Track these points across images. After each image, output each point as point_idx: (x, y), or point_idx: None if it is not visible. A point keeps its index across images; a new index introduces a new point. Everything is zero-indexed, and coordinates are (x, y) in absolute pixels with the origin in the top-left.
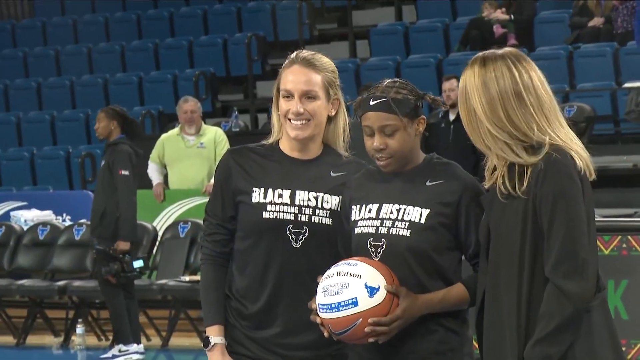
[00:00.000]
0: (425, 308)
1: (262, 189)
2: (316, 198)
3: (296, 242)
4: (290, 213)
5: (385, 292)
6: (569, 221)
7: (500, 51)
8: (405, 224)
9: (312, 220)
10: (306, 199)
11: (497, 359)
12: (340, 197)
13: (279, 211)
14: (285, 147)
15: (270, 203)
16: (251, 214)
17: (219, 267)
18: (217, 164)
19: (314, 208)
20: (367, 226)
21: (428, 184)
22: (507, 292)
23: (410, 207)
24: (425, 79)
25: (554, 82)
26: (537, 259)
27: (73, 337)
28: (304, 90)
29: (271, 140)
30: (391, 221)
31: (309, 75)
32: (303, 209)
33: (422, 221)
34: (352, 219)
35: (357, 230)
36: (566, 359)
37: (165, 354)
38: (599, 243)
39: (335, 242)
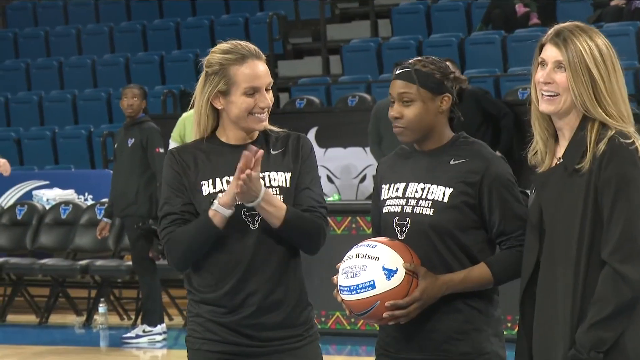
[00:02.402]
0: (446, 288)
1: (210, 180)
2: (262, 178)
3: (253, 224)
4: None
5: (404, 273)
6: (631, 207)
7: (583, 24)
8: (428, 203)
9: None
10: None
11: (548, 337)
12: (286, 172)
13: None
14: (229, 137)
15: (221, 191)
16: (205, 206)
17: None
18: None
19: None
20: (394, 205)
21: (452, 162)
22: (563, 271)
23: (434, 186)
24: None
25: None
26: (595, 240)
27: (95, 316)
28: (267, 82)
29: (204, 135)
30: (415, 200)
31: (264, 67)
32: None
33: (445, 200)
34: (382, 197)
35: (384, 210)
36: (617, 344)
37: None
38: None
39: None
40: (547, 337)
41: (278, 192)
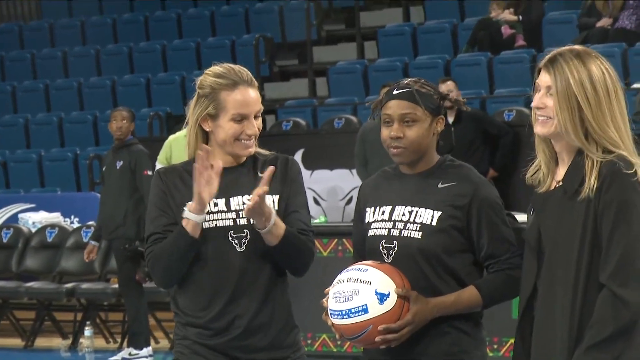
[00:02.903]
0: (437, 311)
1: None
2: (250, 201)
3: (240, 246)
4: (229, 219)
5: (396, 297)
6: (630, 232)
7: (579, 48)
8: (416, 226)
9: (251, 222)
10: (241, 202)
11: (546, 358)
12: (274, 195)
13: (218, 219)
14: (216, 159)
15: (208, 213)
16: None
17: None
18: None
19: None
20: (380, 228)
21: (440, 186)
22: (562, 293)
23: (422, 210)
24: (433, 80)
25: None
26: (594, 263)
27: (81, 340)
28: (256, 110)
29: (193, 156)
30: (403, 223)
31: (255, 94)
32: (240, 212)
33: (434, 223)
34: (366, 220)
35: (370, 232)
36: None
37: (173, 356)
38: None
39: None
40: (545, 358)
41: None
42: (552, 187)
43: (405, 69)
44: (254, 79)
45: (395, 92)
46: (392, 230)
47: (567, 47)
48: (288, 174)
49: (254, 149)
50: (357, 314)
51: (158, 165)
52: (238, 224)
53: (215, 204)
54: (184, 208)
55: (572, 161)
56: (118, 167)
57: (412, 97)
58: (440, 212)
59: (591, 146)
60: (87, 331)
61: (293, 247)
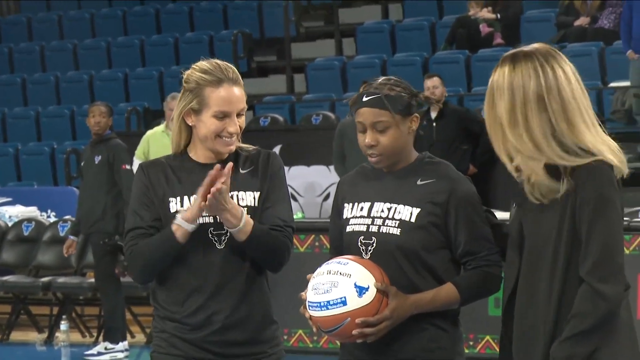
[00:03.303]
0: (415, 308)
1: (178, 198)
2: (231, 197)
3: (219, 244)
4: (209, 216)
5: (375, 292)
6: (609, 227)
7: (529, 49)
8: (395, 223)
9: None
10: None
11: (527, 350)
12: (255, 192)
13: None
14: (199, 156)
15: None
16: (170, 223)
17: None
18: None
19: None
20: (359, 224)
21: (419, 183)
22: (542, 286)
23: (401, 206)
24: (412, 77)
25: None
26: (573, 258)
27: (57, 334)
28: (239, 108)
29: (177, 150)
30: (382, 220)
31: (239, 92)
32: None
33: (413, 220)
34: (344, 216)
35: (348, 228)
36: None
37: (150, 350)
38: None
39: None
40: (526, 350)
41: (246, 212)
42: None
43: (384, 66)
44: (239, 77)
45: (364, 98)
46: (370, 226)
47: (515, 50)
48: (268, 169)
49: (234, 146)
50: (335, 306)
51: (135, 161)
52: (218, 221)
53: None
54: (177, 215)
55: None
56: (96, 162)
57: (381, 104)
58: (419, 209)
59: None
60: (63, 325)
61: (263, 245)
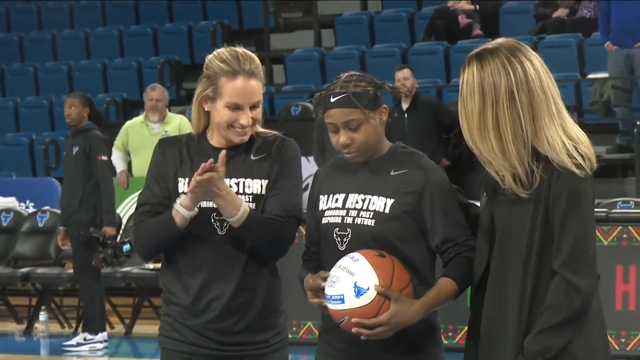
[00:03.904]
0: (423, 312)
1: (188, 179)
2: (237, 184)
3: (221, 230)
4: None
5: (374, 294)
6: (582, 220)
7: (493, 45)
8: (370, 214)
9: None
10: (228, 185)
11: (497, 342)
12: (263, 180)
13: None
14: (215, 140)
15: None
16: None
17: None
18: None
19: (236, 194)
20: (334, 216)
21: (392, 173)
22: (513, 278)
23: (375, 197)
24: (390, 68)
25: None
26: (545, 250)
27: (36, 324)
28: (252, 102)
29: (196, 131)
30: (356, 211)
31: (255, 85)
32: None
33: (387, 211)
34: (320, 208)
35: (324, 220)
36: (566, 351)
37: (129, 341)
38: None
39: None
40: (495, 342)
41: (251, 200)
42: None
43: (363, 57)
44: (258, 69)
45: (332, 99)
46: (345, 218)
47: (479, 49)
48: (280, 157)
49: (247, 137)
50: (335, 302)
51: (114, 152)
52: None
53: None
54: (178, 199)
55: None
56: (74, 153)
57: (350, 102)
58: (392, 200)
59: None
60: (42, 316)
61: (259, 234)
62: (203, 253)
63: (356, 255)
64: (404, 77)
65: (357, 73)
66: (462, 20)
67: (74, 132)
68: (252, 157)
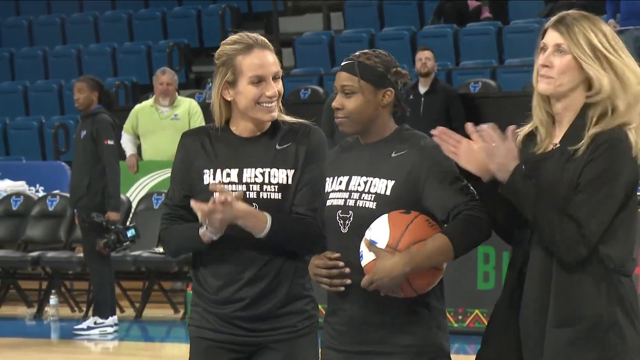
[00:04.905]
0: (403, 263)
1: (212, 170)
2: (262, 174)
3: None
4: (238, 191)
5: (380, 250)
6: (606, 194)
7: (585, 13)
8: (371, 197)
9: (261, 197)
10: (253, 175)
11: (536, 314)
12: (288, 170)
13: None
14: (240, 130)
15: (219, 183)
16: (204, 195)
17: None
18: None
19: (261, 184)
20: (337, 198)
21: (393, 155)
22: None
23: (376, 179)
24: (399, 51)
25: (528, 55)
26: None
27: (46, 308)
28: (275, 72)
29: (218, 123)
30: (358, 193)
31: (272, 56)
32: (251, 185)
33: (388, 193)
34: (325, 190)
35: (328, 202)
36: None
37: (139, 325)
38: None
39: (288, 214)
40: (535, 313)
41: (277, 190)
42: (549, 149)
43: (372, 40)
44: (269, 43)
45: (342, 63)
46: (348, 200)
47: (574, 11)
48: (306, 146)
49: (277, 113)
50: (361, 258)
51: (124, 135)
52: (248, 197)
53: (228, 174)
54: (205, 225)
55: (573, 123)
56: (82, 137)
57: (352, 69)
58: (393, 182)
59: (620, 97)
60: (52, 300)
61: (287, 237)
62: (229, 243)
63: (384, 215)
64: (425, 57)
65: (379, 51)
66: (471, 3)
67: (83, 116)
68: (277, 146)
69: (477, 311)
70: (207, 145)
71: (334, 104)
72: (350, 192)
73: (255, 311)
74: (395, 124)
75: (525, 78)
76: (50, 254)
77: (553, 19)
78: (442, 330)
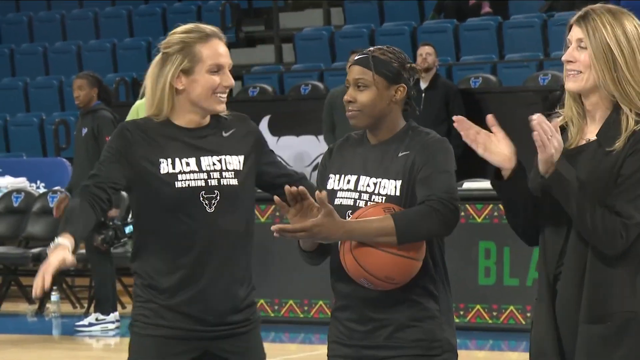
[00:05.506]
0: (345, 233)
1: (170, 159)
2: (220, 161)
3: (210, 207)
4: (201, 179)
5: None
6: None
7: (613, 6)
8: (382, 198)
9: (221, 183)
10: (211, 163)
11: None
12: (239, 156)
13: (190, 179)
14: (183, 121)
15: (180, 172)
16: (163, 185)
17: (89, 202)
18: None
19: (220, 171)
20: (346, 198)
21: (400, 154)
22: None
23: (385, 180)
24: (400, 46)
25: (528, 50)
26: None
27: (48, 305)
28: (229, 63)
29: (158, 115)
30: (368, 194)
31: (225, 48)
32: (211, 173)
33: (397, 193)
34: (330, 187)
35: (336, 201)
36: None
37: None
38: None
39: (243, 201)
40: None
41: (234, 176)
42: (581, 144)
43: (372, 35)
44: (223, 35)
45: (356, 57)
46: (358, 201)
47: (600, 5)
48: (247, 130)
49: (225, 105)
50: None
51: None
52: (209, 184)
53: (187, 164)
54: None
55: (607, 118)
56: (83, 134)
57: (366, 63)
58: (400, 181)
59: (626, 102)
60: (54, 296)
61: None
62: (194, 233)
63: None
64: (426, 52)
65: (393, 48)
66: None
67: (83, 112)
68: (223, 134)
69: (478, 306)
70: (154, 135)
71: (346, 97)
72: (360, 192)
73: (214, 305)
74: (404, 120)
75: (526, 73)
76: None
77: (577, 14)
78: (450, 326)
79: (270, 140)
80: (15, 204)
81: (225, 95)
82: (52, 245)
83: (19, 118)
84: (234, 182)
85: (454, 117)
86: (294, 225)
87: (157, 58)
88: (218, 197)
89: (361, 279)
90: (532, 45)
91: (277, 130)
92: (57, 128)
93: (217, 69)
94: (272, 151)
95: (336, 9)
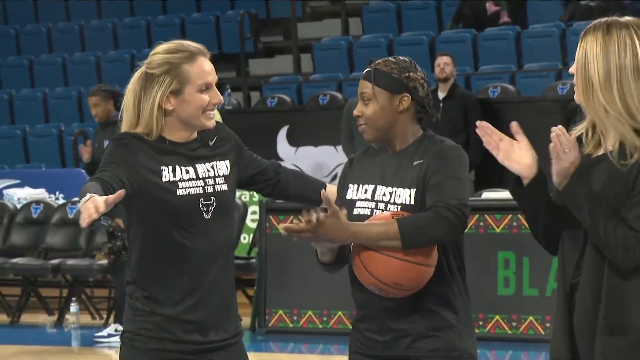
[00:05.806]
0: (349, 233)
1: (170, 167)
2: (213, 168)
3: (207, 214)
4: (199, 187)
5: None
6: None
7: (624, 20)
8: (397, 207)
9: (216, 190)
10: (206, 170)
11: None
12: (226, 161)
13: (190, 186)
14: (173, 137)
15: (180, 180)
16: (165, 193)
17: (101, 184)
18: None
19: (214, 177)
20: (364, 207)
21: (415, 163)
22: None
23: (400, 189)
24: (418, 56)
25: (547, 59)
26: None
27: (67, 316)
28: (216, 80)
29: (154, 134)
30: (384, 204)
31: (210, 63)
32: (207, 180)
33: (412, 202)
34: (349, 197)
35: (355, 211)
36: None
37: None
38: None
39: (232, 207)
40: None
41: (224, 181)
42: (597, 154)
43: (390, 45)
44: (207, 50)
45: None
46: (374, 210)
47: (607, 18)
48: (227, 138)
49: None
50: None
51: None
52: (206, 191)
53: (187, 171)
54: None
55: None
56: (105, 146)
57: (369, 77)
58: (414, 189)
59: (609, 120)
60: (73, 307)
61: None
62: (192, 238)
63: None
64: (444, 62)
65: (401, 58)
66: (490, 7)
67: (103, 124)
68: (210, 143)
69: (497, 317)
70: (150, 148)
71: (355, 111)
72: (377, 202)
73: (210, 320)
74: (420, 129)
75: (545, 83)
76: (70, 262)
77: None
78: (470, 336)
79: (289, 150)
80: (35, 215)
81: (213, 112)
82: (79, 204)
83: (38, 129)
84: (225, 187)
85: (477, 122)
86: (300, 225)
87: (139, 75)
88: (214, 204)
89: (371, 286)
90: (550, 54)
91: (296, 140)
92: (75, 139)
93: (206, 88)
94: (248, 150)
95: (354, 18)
